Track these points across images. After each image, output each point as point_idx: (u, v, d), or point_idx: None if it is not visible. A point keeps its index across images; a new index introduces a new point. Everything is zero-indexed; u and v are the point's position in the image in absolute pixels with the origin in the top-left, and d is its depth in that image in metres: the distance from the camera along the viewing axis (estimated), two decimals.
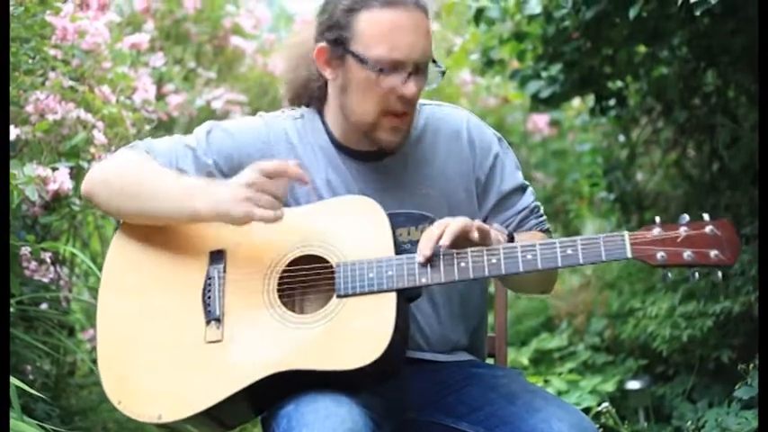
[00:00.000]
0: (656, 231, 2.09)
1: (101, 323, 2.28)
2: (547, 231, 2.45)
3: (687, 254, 2.06)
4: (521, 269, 2.12)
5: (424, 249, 2.13)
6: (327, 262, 2.20)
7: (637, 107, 4.70)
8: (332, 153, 2.36)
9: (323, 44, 2.28)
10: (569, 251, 2.10)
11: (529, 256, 2.11)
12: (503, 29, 4.32)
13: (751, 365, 3.06)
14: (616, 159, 4.99)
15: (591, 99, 4.62)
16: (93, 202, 2.37)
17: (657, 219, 2.12)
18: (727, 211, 4.11)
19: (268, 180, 2.14)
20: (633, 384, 4.05)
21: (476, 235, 2.12)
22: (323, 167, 2.35)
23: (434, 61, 2.29)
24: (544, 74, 4.36)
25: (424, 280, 2.15)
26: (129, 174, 2.30)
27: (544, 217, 2.46)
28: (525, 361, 4.70)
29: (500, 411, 2.20)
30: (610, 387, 4.11)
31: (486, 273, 2.13)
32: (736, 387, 3.12)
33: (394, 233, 2.21)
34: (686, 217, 2.09)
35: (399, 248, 2.21)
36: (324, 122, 2.39)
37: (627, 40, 3.93)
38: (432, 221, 2.30)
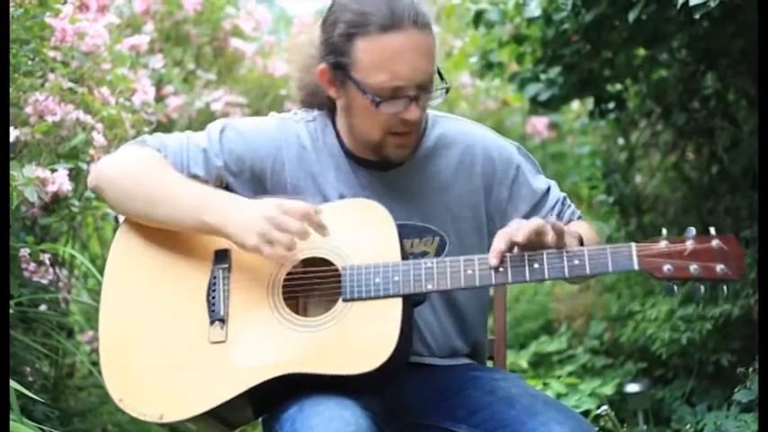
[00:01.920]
0: (663, 244, 2.10)
1: (104, 318, 2.25)
2: (580, 218, 2.45)
3: (693, 267, 2.07)
4: (527, 278, 2.12)
5: (495, 252, 2.11)
6: (333, 265, 2.20)
7: (636, 110, 4.70)
8: (342, 160, 2.35)
9: (323, 66, 2.26)
10: (576, 261, 2.11)
11: (536, 266, 2.11)
12: (502, 32, 4.32)
13: (750, 369, 3.06)
14: (615, 162, 4.99)
15: (590, 102, 4.63)
16: (100, 196, 2.37)
17: (664, 231, 2.14)
18: (726, 214, 4.11)
19: (289, 219, 2.13)
20: (632, 387, 4.04)
21: (550, 237, 2.10)
22: (333, 174, 2.34)
23: (440, 75, 2.27)
24: (543, 77, 4.36)
25: (430, 286, 2.14)
26: (138, 174, 2.28)
27: (573, 205, 2.47)
28: (524, 364, 4.70)
29: (499, 415, 2.20)
30: (609, 390, 4.11)
31: (493, 281, 2.14)
32: (736, 390, 3.12)
33: (401, 238, 2.21)
34: (693, 230, 2.10)
35: (406, 254, 2.20)
36: (335, 129, 2.38)
37: (626, 43, 3.93)
38: (436, 235, 2.32)
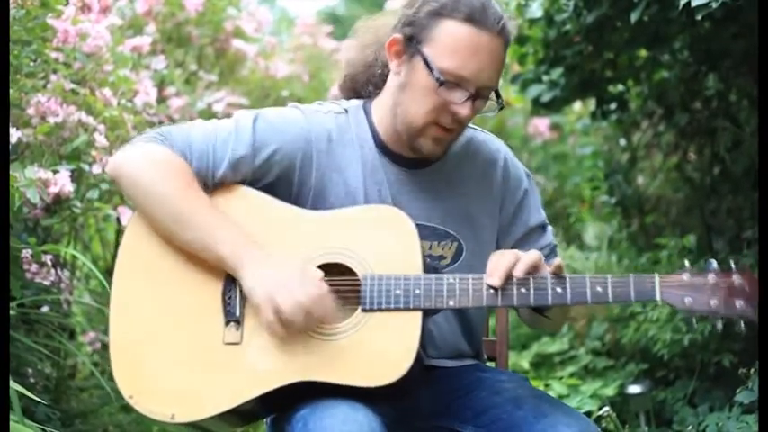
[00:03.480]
0: (685, 276, 2.10)
1: (114, 314, 2.21)
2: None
3: (714, 302, 2.08)
4: (549, 302, 2.12)
5: (494, 278, 2.12)
6: (352, 271, 2.18)
7: (638, 111, 4.71)
8: (372, 155, 2.34)
9: (398, 35, 2.26)
10: (599, 289, 2.11)
11: (559, 290, 2.11)
12: None
13: (752, 370, 3.06)
14: (617, 163, 4.99)
15: (592, 103, 4.64)
16: (117, 185, 2.34)
17: (687, 263, 2.14)
18: (728, 214, 4.11)
19: (302, 319, 2.09)
20: (634, 388, 4.04)
21: (547, 271, 2.12)
22: (360, 168, 2.32)
23: (497, 93, 2.28)
24: (545, 78, 4.36)
25: (451, 302, 2.13)
26: (161, 186, 2.21)
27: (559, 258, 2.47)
28: (526, 365, 4.69)
29: (506, 415, 2.20)
30: (610, 391, 4.11)
31: (515, 302, 2.13)
32: (737, 391, 3.13)
33: (422, 250, 2.19)
34: (713, 263, 2.11)
35: (427, 265, 2.19)
36: (369, 120, 2.37)
37: (628, 44, 3.93)
38: (454, 240, 2.32)
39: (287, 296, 2.08)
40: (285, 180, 2.29)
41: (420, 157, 2.32)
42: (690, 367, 3.94)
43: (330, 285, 2.15)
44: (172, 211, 2.20)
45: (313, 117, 2.34)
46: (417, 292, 2.13)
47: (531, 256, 2.13)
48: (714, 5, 2.72)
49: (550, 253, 2.43)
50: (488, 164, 2.41)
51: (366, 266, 2.16)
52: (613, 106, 4.57)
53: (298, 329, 2.10)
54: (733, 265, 2.10)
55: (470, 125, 2.41)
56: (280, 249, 2.18)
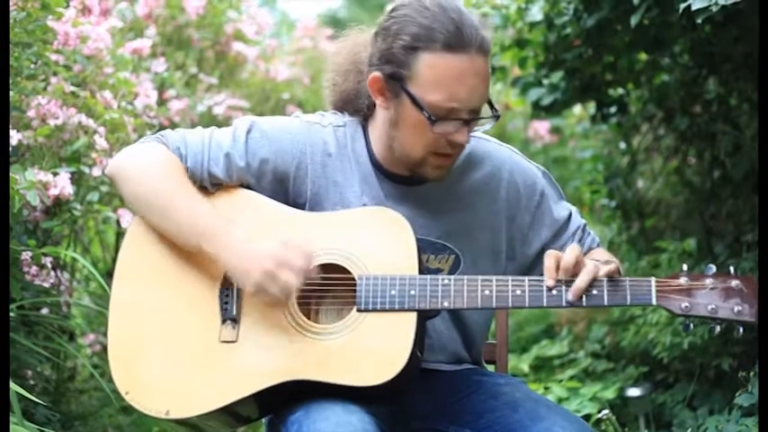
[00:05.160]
0: (683, 280, 2.10)
1: (114, 310, 2.24)
2: (599, 245, 2.46)
3: (711, 307, 2.08)
4: (544, 304, 2.13)
5: (552, 276, 2.14)
6: (349, 272, 2.18)
7: (638, 114, 4.70)
8: (368, 169, 2.33)
9: (378, 74, 2.22)
10: (595, 292, 2.12)
11: (554, 293, 2.12)
12: (504, 36, 4.32)
13: (751, 373, 3.06)
14: (617, 166, 4.99)
15: (592, 106, 4.63)
16: (115, 186, 2.37)
17: (684, 267, 2.13)
18: (728, 218, 4.11)
19: (294, 256, 2.12)
20: (633, 391, 4.05)
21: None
22: (357, 182, 2.32)
23: (491, 104, 2.26)
24: (545, 81, 4.36)
25: (446, 304, 2.15)
26: (151, 179, 2.26)
27: (593, 233, 2.47)
28: (526, 368, 4.70)
29: (503, 419, 2.20)
30: (610, 394, 4.11)
31: (510, 304, 2.14)
32: (737, 394, 3.12)
33: (419, 251, 2.20)
34: (713, 267, 2.10)
35: (423, 268, 2.20)
36: (366, 137, 2.35)
37: (628, 48, 3.93)
38: (452, 253, 2.32)
39: (256, 265, 2.11)
40: (280, 190, 2.31)
41: (419, 178, 2.31)
42: (689, 370, 3.94)
43: (326, 285, 2.18)
44: (159, 202, 2.24)
45: (311, 129, 2.34)
46: (412, 292, 2.14)
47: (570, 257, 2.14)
48: (714, 9, 2.72)
49: (583, 234, 2.44)
50: (491, 176, 2.38)
51: (362, 267, 2.17)
52: (613, 110, 4.56)
53: (286, 286, 2.10)
54: (732, 270, 2.10)
55: (474, 134, 2.38)
56: None
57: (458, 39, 2.15)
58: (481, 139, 2.41)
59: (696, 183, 4.53)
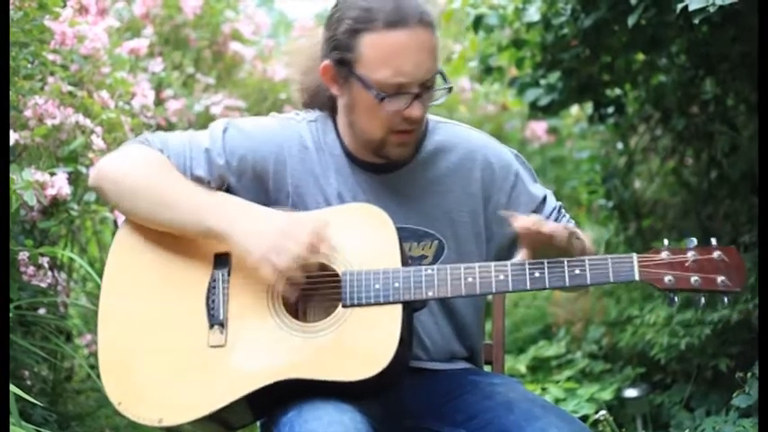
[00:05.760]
0: (665, 254, 2.11)
1: (103, 320, 2.25)
2: (577, 225, 2.46)
3: (694, 279, 2.08)
4: (528, 287, 2.14)
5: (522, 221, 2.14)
6: (333, 269, 2.19)
7: (635, 115, 4.71)
8: (342, 162, 2.35)
9: (327, 62, 2.26)
10: (577, 271, 2.12)
11: (537, 275, 2.13)
12: (501, 36, 4.32)
13: (749, 374, 3.06)
14: (614, 167, 4.99)
15: (589, 106, 4.63)
16: (101, 195, 2.37)
17: (666, 242, 2.14)
18: (725, 219, 4.11)
19: (300, 231, 2.14)
20: (631, 392, 4.05)
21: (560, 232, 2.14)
22: (333, 175, 2.34)
23: (443, 76, 2.27)
24: (543, 81, 4.37)
25: (430, 293, 2.15)
26: (141, 175, 2.28)
27: (568, 215, 2.48)
28: (523, 368, 4.70)
29: (497, 420, 2.20)
30: (607, 395, 4.11)
31: (494, 289, 2.15)
32: (734, 395, 3.12)
33: (401, 244, 2.21)
34: (694, 241, 2.11)
35: (406, 259, 2.20)
36: (336, 130, 2.38)
37: (625, 48, 3.93)
38: (434, 239, 2.32)
39: (271, 229, 2.14)
40: (260, 189, 2.32)
41: (389, 162, 2.33)
42: (687, 371, 3.95)
43: (311, 284, 2.19)
44: (152, 194, 2.25)
45: (287, 124, 2.37)
46: (396, 285, 2.15)
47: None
48: (711, 9, 2.73)
49: (558, 215, 2.44)
50: (465, 158, 2.39)
51: (346, 263, 2.18)
52: (611, 110, 4.57)
53: (296, 254, 2.12)
54: (714, 241, 2.10)
55: (447, 121, 2.44)
56: None
57: (397, 15, 2.18)
58: (452, 125, 2.44)
59: (693, 183, 4.53)
